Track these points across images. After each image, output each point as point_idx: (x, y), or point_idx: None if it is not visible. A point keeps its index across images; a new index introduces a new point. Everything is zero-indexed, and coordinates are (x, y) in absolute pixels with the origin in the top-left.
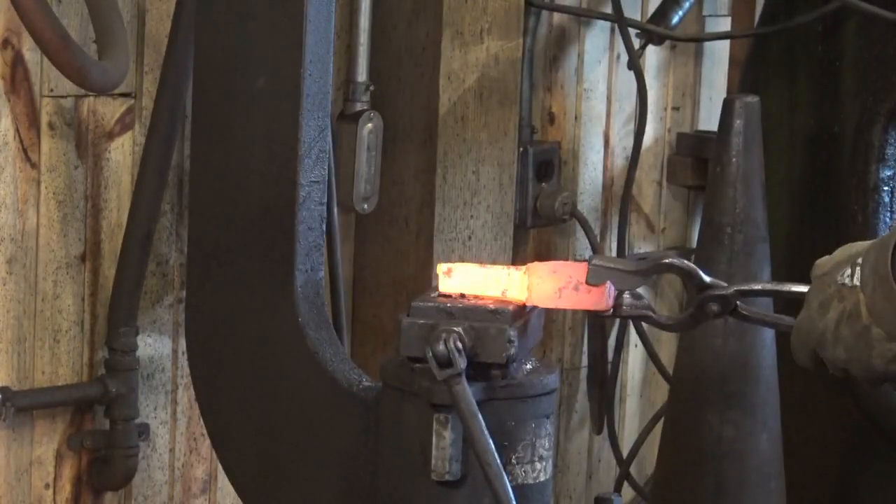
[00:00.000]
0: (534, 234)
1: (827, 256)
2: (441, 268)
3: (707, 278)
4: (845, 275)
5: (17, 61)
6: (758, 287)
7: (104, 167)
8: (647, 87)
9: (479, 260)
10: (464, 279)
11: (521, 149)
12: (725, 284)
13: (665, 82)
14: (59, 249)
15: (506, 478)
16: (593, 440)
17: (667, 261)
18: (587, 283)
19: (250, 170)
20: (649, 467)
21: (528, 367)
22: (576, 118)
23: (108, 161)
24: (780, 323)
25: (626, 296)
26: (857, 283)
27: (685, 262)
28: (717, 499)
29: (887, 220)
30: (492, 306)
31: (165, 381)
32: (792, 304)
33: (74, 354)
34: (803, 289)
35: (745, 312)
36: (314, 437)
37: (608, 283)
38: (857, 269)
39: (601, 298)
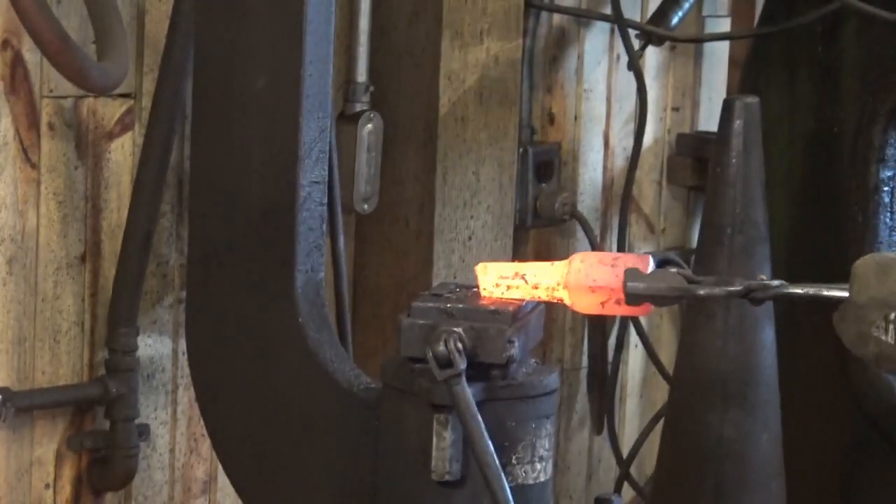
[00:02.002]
0: (534, 235)
1: None
2: (486, 277)
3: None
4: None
5: (17, 62)
6: (799, 291)
7: (104, 167)
8: (647, 88)
9: (479, 260)
10: (506, 284)
11: (522, 149)
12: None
13: (665, 83)
14: (59, 250)
15: (504, 479)
16: (593, 440)
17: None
18: (627, 304)
19: (250, 170)
20: (649, 467)
21: (528, 367)
22: (576, 119)
23: (108, 161)
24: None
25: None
26: None
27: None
28: (718, 499)
29: (887, 220)
30: (492, 307)
31: (165, 381)
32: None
33: (74, 355)
34: (843, 293)
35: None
36: (314, 437)
37: None
38: None
39: (645, 306)
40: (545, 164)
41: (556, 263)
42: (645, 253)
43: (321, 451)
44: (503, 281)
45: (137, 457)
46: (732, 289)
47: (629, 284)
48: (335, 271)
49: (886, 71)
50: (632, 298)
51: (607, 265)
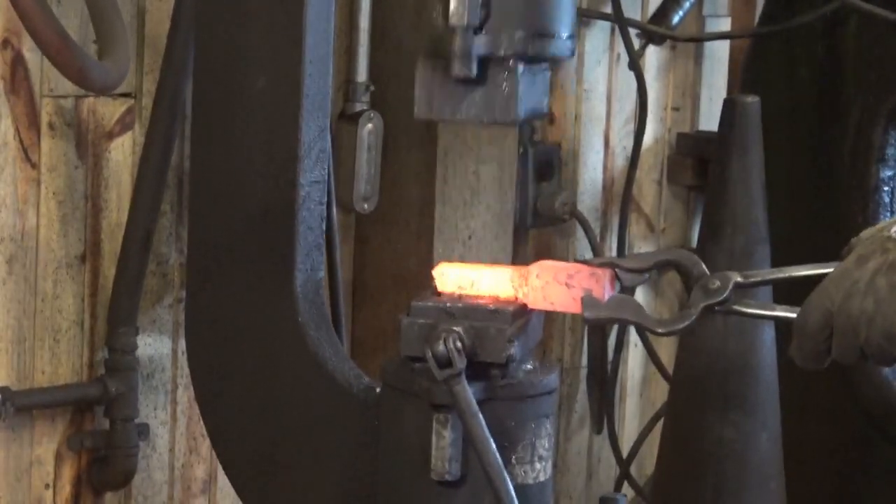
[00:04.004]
0: (534, 235)
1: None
2: (445, 282)
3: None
4: (893, 230)
5: (17, 61)
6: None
7: (104, 167)
8: (647, 88)
9: (479, 260)
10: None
11: (522, 149)
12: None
13: (665, 82)
14: (59, 249)
15: (507, 477)
16: (593, 440)
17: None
18: (584, 320)
19: (250, 170)
20: (649, 467)
21: (528, 366)
22: (576, 118)
23: (108, 161)
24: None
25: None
26: None
27: None
28: (717, 499)
29: (887, 220)
30: (492, 306)
31: (165, 381)
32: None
33: (74, 354)
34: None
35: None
36: (314, 437)
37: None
38: None
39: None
40: (545, 164)
41: (514, 273)
42: (602, 263)
43: (321, 451)
44: (461, 290)
45: (137, 456)
46: (686, 324)
47: (587, 316)
48: (330, 271)
49: (886, 71)
50: (591, 322)
51: (562, 284)
